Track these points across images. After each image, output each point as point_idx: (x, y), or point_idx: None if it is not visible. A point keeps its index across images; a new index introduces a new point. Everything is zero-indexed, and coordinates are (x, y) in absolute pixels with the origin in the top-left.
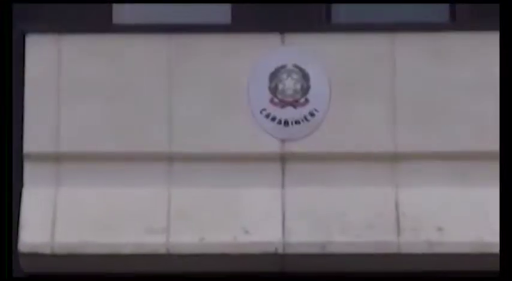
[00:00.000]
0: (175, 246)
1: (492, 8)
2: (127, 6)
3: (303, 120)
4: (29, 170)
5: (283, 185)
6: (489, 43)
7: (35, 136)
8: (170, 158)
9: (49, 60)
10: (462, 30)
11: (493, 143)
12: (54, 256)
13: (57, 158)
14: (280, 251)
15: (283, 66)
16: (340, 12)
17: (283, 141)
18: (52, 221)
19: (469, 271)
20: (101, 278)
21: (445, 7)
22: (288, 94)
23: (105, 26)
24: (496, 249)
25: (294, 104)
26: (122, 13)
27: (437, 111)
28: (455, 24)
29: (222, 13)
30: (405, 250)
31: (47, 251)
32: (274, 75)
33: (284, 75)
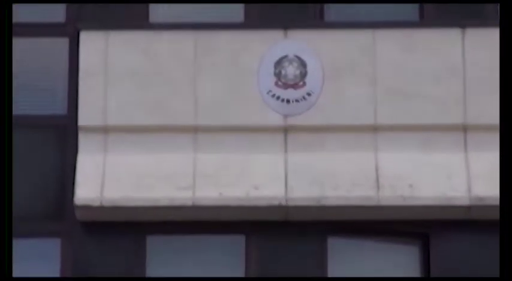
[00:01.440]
0: (199, 200)
1: (454, 7)
2: (160, 8)
3: (301, 99)
4: (83, 140)
5: (285, 151)
6: (451, 38)
7: (87, 112)
8: (195, 130)
9: (98, 52)
10: (429, 27)
11: (454, 118)
12: (102, 208)
13: (105, 130)
14: (283, 203)
15: (285, 56)
16: (331, 12)
17: (285, 116)
18: (101, 180)
19: (435, 219)
20: (139, 225)
21: (414, 8)
22: (290, 78)
23: (143, 24)
24: (456, 202)
25: (294, 86)
26: (156, 13)
27: (409, 92)
28: (423, 22)
29: (236, 13)
30: (383, 202)
31: (97, 204)
32: (278, 64)
33: (286, 64)
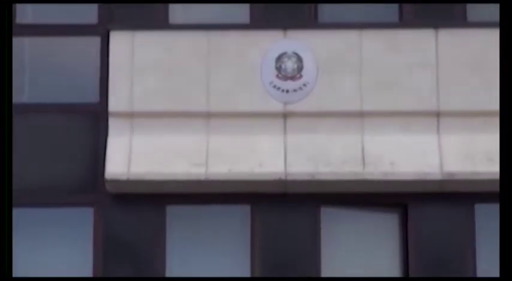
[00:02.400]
0: (211, 175)
1: (429, 10)
2: (178, 11)
3: (298, 89)
4: (112, 124)
5: (285, 134)
6: (426, 36)
7: (116, 100)
8: (208, 115)
9: (125, 49)
10: (407, 27)
11: (428, 105)
12: (128, 182)
13: (131, 115)
14: (283, 178)
15: (284, 53)
16: (324, 14)
17: (285, 104)
18: (128, 158)
19: (412, 192)
20: (160, 196)
21: (395, 10)
22: (288, 72)
23: (164, 25)
24: (430, 177)
25: (293, 78)
26: (174, 15)
27: (391, 84)
28: (402, 23)
29: (243, 15)
30: (368, 177)
31: (124, 178)
32: (279, 59)
33: (285, 59)
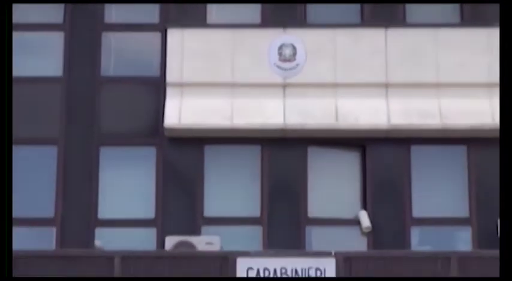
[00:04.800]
0: (234, 125)
1: (382, 11)
2: (213, 12)
3: (293, 68)
4: (169, 91)
5: (284, 98)
6: (380, 33)
7: (171, 74)
8: (233, 85)
9: (177, 40)
10: (367, 26)
11: (380, 79)
12: (179, 129)
13: (181, 85)
14: (283, 127)
15: (284, 44)
16: (311, 16)
17: (284, 78)
18: (179, 113)
19: (369, 137)
20: (200, 140)
21: (358, 13)
22: (286, 56)
23: (203, 23)
24: (380, 127)
25: (289, 60)
26: (210, 15)
27: (356, 64)
28: (363, 23)
29: (256, 16)
30: (340, 127)
31: (176, 126)
32: (280, 48)
33: (284, 48)
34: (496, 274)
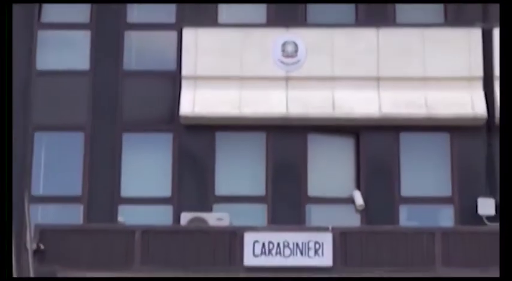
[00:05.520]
0: (242, 114)
1: (373, 12)
2: (224, 13)
3: (295, 63)
4: (184, 83)
5: (287, 89)
6: (372, 32)
7: (186, 68)
8: (241, 79)
9: (192, 38)
10: (360, 26)
11: (372, 73)
12: (193, 117)
13: (195, 77)
14: (286, 116)
15: (286, 41)
16: (311, 16)
17: (287, 71)
18: (193, 102)
19: (362, 125)
20: (211, 126)
21: (353, 14)
22: (289, 53)
23: (214, 23)
24: (372, 116)
25: (291, 56)
26: (221, 15)
27: (349, 61)
28: (357, 23)
29: (261, 16)
30: (336, 116)
31: (191, 115)
32: (283, 45)
33: (287, 45)
34: (475, 248)
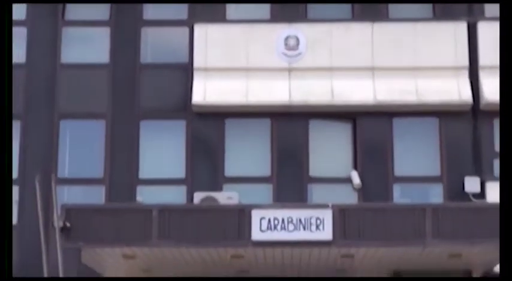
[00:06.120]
0: (249, 102)
1: (369, 9)
2: (232, 10)
3: (297, 55)
4: (196, 75)
5: (289, 79)
6: (368, 27)
7: (198, 61)
8: (247, 70)
9: (202, 34)
10: (356, 21)
11: (367, 64)
12: (205, 106)
13: (205, 69)
14: (288, 104)
15: (289, 36)
16: (310, 13)
17: (289, 63)
18: (204, 91)
19: (359, 111)
20: (221, 113)
21: (349, 10)
22: (291, 46)
23: (223, 19)
24: (367, 103)
25: (293, 49)
26: (229, 12)
27: (346, 52)
28: (353, 18)
29: (265, 12)
30: (334, 103)
31: (202, 103)
32: (286, 39)
33: (289, 39)
34: (461, 222)
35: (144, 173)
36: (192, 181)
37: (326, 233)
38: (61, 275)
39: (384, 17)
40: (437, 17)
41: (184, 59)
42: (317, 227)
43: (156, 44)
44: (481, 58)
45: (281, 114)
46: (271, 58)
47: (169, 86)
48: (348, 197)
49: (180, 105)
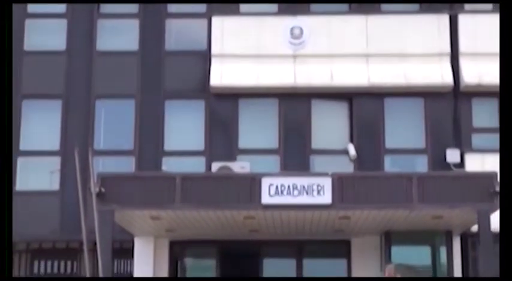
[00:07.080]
0: (260, 84)
1: (363, 5)
2: (244, 4)
3: (301, 43)
4: (213, 60)
5: (294, 64)
6: (363, 19)
7: (221, 49)
8: (257, 56)
9: (219, 25)
10: (353, 13)
11: (361, 50)
12: (222, 87)
13: (221, 55)
14: (293, 85)
15: (294, 26)
16: (313, 7)
17: (294, 50)
18: (220, 75)
19: (354, 92)
20: (235, 95)
21: (346, 4)
22: (296, 35)
23: (237, 12)
24: (362, 85)
25: (298, 38)
26: (242, 6)
27: (344, 40)
28: (350, 11)
29: (274, 6)
30: (334, 84)
31: (219, 85)
32: (291, 29)
33: (295, 29)
34: (444, 188)
35: (169, 145)
36: (210, 152)
37: (326, 197)
38: (97, 233)
39: (377, 11)
40: (423, 10)
41: (203, 46)
42: (318, 192)
43: (179, 33)
44: (461, 46)
45: (287, 95)
46: (279, 46)
47: (190, 70)
48: (345, 166)
49: (200, 87)
